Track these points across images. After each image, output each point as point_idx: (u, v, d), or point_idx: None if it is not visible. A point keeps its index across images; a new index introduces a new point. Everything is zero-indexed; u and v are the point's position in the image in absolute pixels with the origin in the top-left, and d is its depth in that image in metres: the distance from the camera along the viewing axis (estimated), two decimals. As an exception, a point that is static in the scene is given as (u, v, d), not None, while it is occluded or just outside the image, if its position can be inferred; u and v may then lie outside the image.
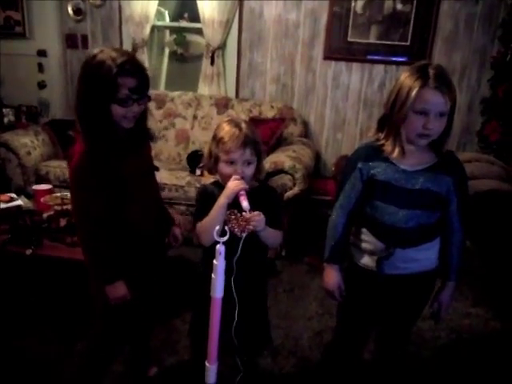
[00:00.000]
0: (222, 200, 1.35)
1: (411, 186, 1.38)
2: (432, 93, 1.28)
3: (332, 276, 1.55)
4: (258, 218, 1.32)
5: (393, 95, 1.35)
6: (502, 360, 2.18)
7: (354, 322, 1.62)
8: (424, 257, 1.47)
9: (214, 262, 1.08)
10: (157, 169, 2.77)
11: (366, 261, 1.50)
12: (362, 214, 1.50)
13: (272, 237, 1.44)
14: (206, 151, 1.48)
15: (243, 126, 1.40)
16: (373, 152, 1.42)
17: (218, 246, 1.07)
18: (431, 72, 1.29)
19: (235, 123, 1.41)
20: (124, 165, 1.46)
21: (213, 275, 1.10)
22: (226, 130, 1.39)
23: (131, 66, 1.37)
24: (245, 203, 1.30)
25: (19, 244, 2.09)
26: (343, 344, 1.69)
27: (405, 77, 1.33)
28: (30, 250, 2.05)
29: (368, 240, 1.49)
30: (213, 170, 1.46)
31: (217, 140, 1.40)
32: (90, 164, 1.41)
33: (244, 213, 1.32)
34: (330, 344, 1.80)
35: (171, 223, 1.75)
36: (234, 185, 1.34)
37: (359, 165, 1.43)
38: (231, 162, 1.38)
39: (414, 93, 1.28)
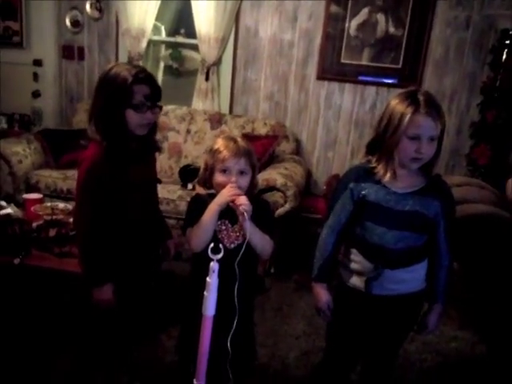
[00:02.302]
0: (214, 206, 1.37)
1: (401, 208, 1.40)
2: (424, 118, 1.32)
3: (321, 294, 1.55)
4: (245, 201, 1.34)
5: (384, 121, 1.38)
6: None
7: (342, 342, 1.62)
8: (411, 278, 1.48)
9: (208, 279, 1.07)
10: (159, 181, 2.77)
11: (355, 281, 1.51)
12: (352, 234, 1.51)
13: (261, 240, 1.43)
14: (202, 166, 1.49)
15: (238, 139, 1.45)
16: (364, 173, 1.45)
17: (211, 264, 1.07)
18: (421, 98, 1.33)
19: (230, 137, 1.46)
20: (130, 173, 1.53)
21: (205, 293, 1.09)
22: (222, 142, 1.43)
23: (145, 75, 1.49)
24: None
25: (7, 253, 2.07)
26: (332, 365, 1.68)
27: (395, 103, 1.36)
28: (18, 260, 2.03)
29: (357, 260, 1.50)
30: (207, 184, 1.47)
31: (212, 152, 1.43)
32: (100, 169, 1.48)
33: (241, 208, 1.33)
34: (318, 364, 1.78)
35: (167, 236, 1.79)
36: (227, 191, 1.36)
37: (351, 185, 1.46)
38: (225, 171, 1.40)
39: (406, 119, 1.31)
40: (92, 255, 1.53)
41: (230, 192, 1.35)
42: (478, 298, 2.70)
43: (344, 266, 1.55)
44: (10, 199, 2.99)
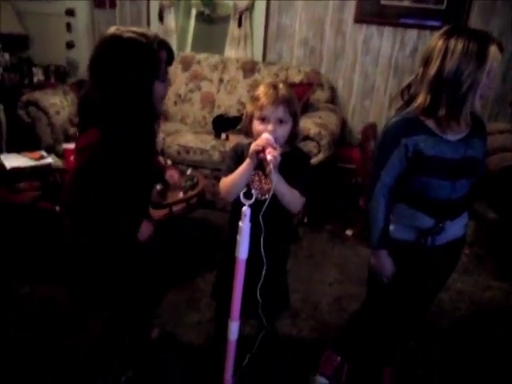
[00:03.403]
0: (247, 161, 1.34)
1: (458, 156, 1.34)
2: (498, 51, 1.25)
3: (385, 262, 1.48)
4: (274, 152, 1.25)
5: (453, 67, 1.23)
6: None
7: (388, 293, 1.56)
8: (460, 225, 1.48)
9: (240, 223, 1.10)
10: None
11: (406, 235, 1.45)
12: (404, 190, 1.42)
13: (288, 195, 1.36)
14: (244, 114, 1.45)
15: (280, 86, 1.39)
16: (414, 125, 1.34)
17: (243, 209, 1.09)
18: (481, 32, 1.27)
19: (272, 84, 1.40)
20: (139, 157, 1.41)
21: (238, 236, 1.12)
22: (262, 89, 1.39)
23: (160, 38, 1.34)
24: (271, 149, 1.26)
25: (49, 201, 2.16)
26: (373, 314, 1.66)
27: (470, 45, 1.23)
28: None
29: (411, 215, 1.43)
30: (248, 132, 1.42)
31: (253, 99, 1.39)
32: (104, 165, 1.34)
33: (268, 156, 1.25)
34: (356, 312, 1.77)
35: (164, 170, 1.75)
36: (260, 141, 1.29)
37: (403, 141, 1.34)
38: (264, 119, 1.35)
39: (493, 55, 1.23)
40: (117, 212, 1.42)
41: (257, 142, 1.29)
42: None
43: (393, 222, 1.47)
44: (51, 150, 3.09)
